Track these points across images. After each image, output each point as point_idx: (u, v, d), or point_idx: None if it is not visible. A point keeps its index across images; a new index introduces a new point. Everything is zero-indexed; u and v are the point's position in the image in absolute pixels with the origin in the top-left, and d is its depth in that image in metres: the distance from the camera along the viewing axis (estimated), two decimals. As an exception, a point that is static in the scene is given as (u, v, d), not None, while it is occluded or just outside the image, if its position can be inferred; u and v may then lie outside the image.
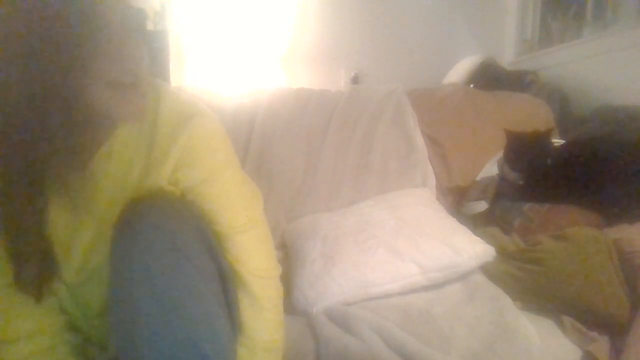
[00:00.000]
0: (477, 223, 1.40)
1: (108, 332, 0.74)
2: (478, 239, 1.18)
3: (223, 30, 2.24)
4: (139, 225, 0.62)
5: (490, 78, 2.22)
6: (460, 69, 2.36)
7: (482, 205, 1.47)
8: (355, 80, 2.52)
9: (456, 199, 1.63)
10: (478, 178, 1.60)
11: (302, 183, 1.56)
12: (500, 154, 1.51)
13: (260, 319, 0.78)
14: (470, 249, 1.14)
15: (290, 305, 1.06)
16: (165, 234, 0.62)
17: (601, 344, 0.91)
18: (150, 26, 2.01)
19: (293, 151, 1.60)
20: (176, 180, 0.70)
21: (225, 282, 0.72)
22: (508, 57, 2.60)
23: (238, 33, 2.27)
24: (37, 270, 0.61)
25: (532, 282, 1.06)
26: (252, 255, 0.77)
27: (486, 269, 1.15)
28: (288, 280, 1.11)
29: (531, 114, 1.81)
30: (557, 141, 1.51)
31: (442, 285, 1.12)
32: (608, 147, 1.31)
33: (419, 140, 1.67)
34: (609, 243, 1.04)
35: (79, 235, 0.68)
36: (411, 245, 1.15)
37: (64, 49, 0.52)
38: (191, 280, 0.63)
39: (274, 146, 1.58)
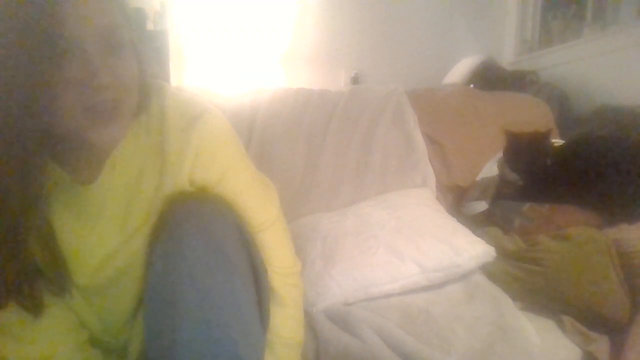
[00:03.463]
0: (477, 223, 1.40)
1: (129, 339, 0.73)
2: (478, 239, 1.18)
3: (223, 30, 2.24)
4: (182, 229, 0.62)
5: (490, 78, 2.22)
6: (460, 69, 2.36)
7: (482, 205, 1.47)
8: (355, 80, 2.52)
9: (456, 199, 1.63)
10: (478, 178, 1.60)
11: (302, 183, 1.56)
12: (500, 154, 1.52)
13: (282, 315, 0.79)
14: (470, 249, 1.14)
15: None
16: (207, 236, 0.63)
17: (601, 344, 0.91)
18: (150, 26, 2.01)
19: (293, 151, 1.60)
20: (191, 182, 0.70)
21: (257, 279, 0.71)
22: (508, 57, 2.60)
23: (238, 33, 2.27)
24: (29, 284, 0.60)
25: (532, 282, 1.06)
26: (274, 253, 0.78)
27: (486, 269, 1.15)
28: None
29: (531, 114, 1.81)
30: (557, 141, 1.51)
31: (442, 286, 1.12)
32: (608, 147, 1.31)
33: (419, 140, 1.67)
34: (609, 243, 1.04)
35: (90, 241, 0.67)
36: (411, 245, 1.15)
37: (26, 78, 0.49)
38: (230, 280, 0.64)
39: (274, 146, 1.58)
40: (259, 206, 0.76)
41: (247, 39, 2.27)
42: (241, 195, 0.73)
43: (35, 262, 0.60)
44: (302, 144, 1.62)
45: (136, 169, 0.67)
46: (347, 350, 0.89)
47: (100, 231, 0.67)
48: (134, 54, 0.59)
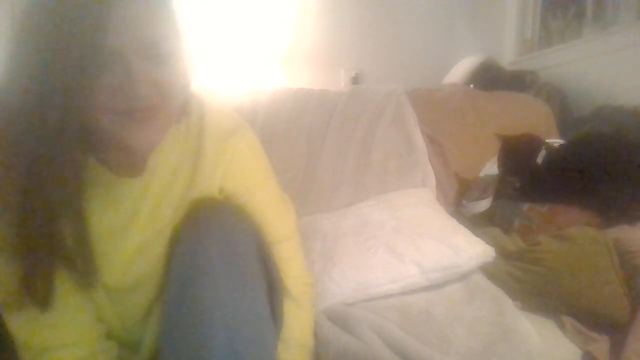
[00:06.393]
0: (477, 223, 1.40)
1: (142, 334, 0.75)
2: (478, 239, 1.18)
3: (223, 30, 2.24)
4: (206, 235, 0.65)
5: (490, 78, 2.22)
6: (460, 69, 2.36)
7: (482, 205, 1.47)
8: (355, 80, 2.52)
9: (456, 199, 1.63)
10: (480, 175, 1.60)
11: (302, 183, 1.56)
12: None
13: (299, 318, 0.83)
14: (470, 249, 1.14)
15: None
16: (229, 243, 0.66)
17: (601, 344, 0.91)
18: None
19: (293, 151, 1.60)
20: (221, 190, 0.74)
21: (272, 290, 0.74)
22: (508, 57, 2.59)
23: (238, 33, 2.26)
24: (47, 278, 0.60)
25: (532, 282, 1.06)
26: (292, 263, 0.83)
27: (486, 269, 1.15)
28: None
29: (531, 114, 1.81)
30: (557, 141, 1.51)
31: (442, 286, 1.12)
32: (608, 147, 1.31)
33: (419, 140, 1.67)
34: (609, 243, 1.04)
35: (123, 237, 0.68)
36: (411, 245, 1.15)
37: (69, 82, 0.51)
38: (248, 285, 0.66)
39: (274, 146, 1.58)
40: (279, 220, 0.82)
41: (247, 39, 2.27)
42: (264, 209, 0.78)
43: (64, 255, 0.61)
44: (302, 144, 1.62)
45: (171, 169, 0.70)
46: (347, 350, 0.89)
47: (133, 228, 0.69)
48: (179, 63, 0.59)
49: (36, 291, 0.59)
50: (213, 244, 0.65)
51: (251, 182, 0.77)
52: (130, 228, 0.69)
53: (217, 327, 0.61)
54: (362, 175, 1.59)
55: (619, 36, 1.83)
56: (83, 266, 0.62)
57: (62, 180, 0.55)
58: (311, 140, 1.63)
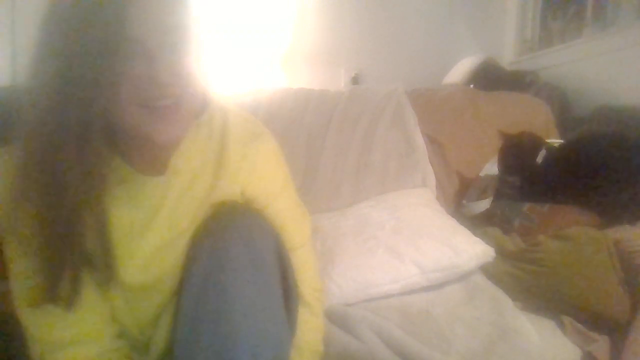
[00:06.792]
0: (477, 223, 1.40)
1: (153, 335, 0.75)
2: (478, 239, 1.18)
3: (223, 30, 2.24)
4: (228, 237, 0.65)
5: (490, 78, 2.22)
6: (460, 69, 2.36)
7: (482, 205, 1.47)
8: (355, 80, 2.52)
9: (456, 199, 1.63)
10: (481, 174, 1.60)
11: (302, 183, 1.56)
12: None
13: (313, 323, 0.84)
14: (470, 249, 1.14)
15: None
16: (251, 247, 0.66)
17: (601, 344, 0.91)
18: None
19: (293, 151, 1.60)
20: (242, 193, 0.74)
21: (288, 295, 0.74)
22: (508, 57, 2.60)
23: (238, 33, 2.26)
24: (74, 278, 0.60)
25: (532, 282, 1.06)
26: (307, 268, 0.84)
27: (486, 269, 1.15)
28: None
29: (531, 114, 1.81)
30: (557, 141, 1.51)
31: (441, 286, 1.12)
32: (608, 147, 1.31)
33: (419, 140, 1.67)
34: (609, 243, 1.04)
35: (144, 236, 0.68)
36: (411, 245, 1.15)
37: (91, 74, 0.51)
38: (268, 288, 0.67)
39: (274, 146, 1.58)
40: (295, 227, 0.82)
41: (247, 39, 2.27)
42: (283, 215, 0.79)
43: (85, 253, 0.61)
44: (302, 144, 1.62)
45: (193, 171, 0.70)
46: (347, 350, 0.89)
47: (153, 227, 0.69)
48: (197, 54, 0.60)
49: (63, 290, 0.59)
50: (235, 246, 0.65)
51: (272, 187, 0.77)
52: (150, 227, 0.68)
53: (238, 329, 0.61)
54: (362, 175, 1.59)
55: (619, 36, 1.83)
56: (103, 263, 0.62)
57: (87, 176, 0.55)
58: (311, 140, 1.63)
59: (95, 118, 0.53)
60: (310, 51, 2.45)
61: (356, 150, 1.62)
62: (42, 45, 0.54)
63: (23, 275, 0.61)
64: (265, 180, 0.76)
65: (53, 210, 0.55)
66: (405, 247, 1.15)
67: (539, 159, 1.37)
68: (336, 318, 1.00)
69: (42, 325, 0.64)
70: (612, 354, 0.90)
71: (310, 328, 0.83)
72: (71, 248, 0.57)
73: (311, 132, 1.64)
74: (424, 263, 1.11)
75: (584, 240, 1.06)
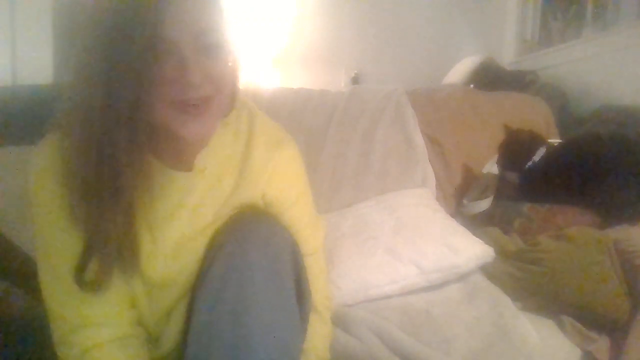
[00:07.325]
0: (477, 223, 1.40)
1: (164, 329, 0.76)
2: (477, 239, 1.18)
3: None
4: (248, 239, 0.67)
5: (490, 78, 2.22)
6: (460, 69, 2.36)
7: (482, 205, 1.47)
8: (355, 80, 2.52)
9: (456, 199, 1.63)
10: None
11: (302, 183, 1.56)
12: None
13: (322, 331, 0.86)
14: (469, 249, 1.14)
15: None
16: (269, 251, 0.68)
17: (601, 344, 0.91)
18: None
19: (293, 151, 1.60)
20: (263, 197, 0.76)
21: (302, 301, 0.75)
22: (508, 57, 2.60)
23: (237, 33, 2.26)
24: (104, 262, 0.62)
25: (532, 282, 1.06)
26: (314, 277, 0.83)
27: (486, 269, 1.15)
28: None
29: (531, 114, 1.81)
30: (557, 141, 1.51)
31: (441, 286, 1.12)
32: (608, 147, 1.31)
33: (419, 140, 1.67)
34: (609, 243, 1.04)
35: (164, 232, 0.70)
36: (410, 246, 1.15)
37: (125, 73, 0.53)
38: (284, 293, 0.68)
39: (273, 146, 1.58)
40: (310, 233, 0.84)
41: (246, 39, 2.27)
42: (300, 221, 0.80)
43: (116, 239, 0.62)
44: (302, 144, 1.62)
45: (218, 171, 0.72)
46: (347, 351, 0.89)
47: (175, 222, 0.70)
48: (229, 55, 0.62)
49: (92, 273, 0.61)
50: (254, 251, 0.66)
51: (291, 192, 0.79)
52: (172, 221, 0.70)
53: (253, 331, 0.62)
54: (362, 176, 1.58)
55: (619, 36, 1.83)
56: (128, 252, 0.63)
57: (124, 168, 0.57)
58: (311, 141, 1.63)
59: (126, 115, 0.55)
60: (310, 51, 2.46)
61: (356, 150, 1.62)
62: (82, 46, 0.56)
63: (54, 254, 0.64)
64: (286, 185, 0.78)
65: (93, 197, 0.58)
66: (405, 247, 1.15)
67: (537, 157, 1.37)
68: (336, 319, 1.00)
69: (66, 305, 0.65)
70: (612, 354, 0.90)
71: (319, 335, 0.84)
72: (106, 234, 0.60)
73: (311, 132, 1.64)
74: (423, 263, 1.10)
75: (584, 240, 1.06)
